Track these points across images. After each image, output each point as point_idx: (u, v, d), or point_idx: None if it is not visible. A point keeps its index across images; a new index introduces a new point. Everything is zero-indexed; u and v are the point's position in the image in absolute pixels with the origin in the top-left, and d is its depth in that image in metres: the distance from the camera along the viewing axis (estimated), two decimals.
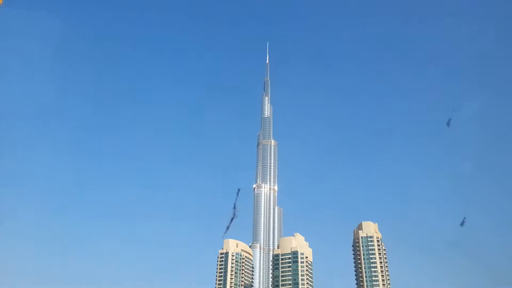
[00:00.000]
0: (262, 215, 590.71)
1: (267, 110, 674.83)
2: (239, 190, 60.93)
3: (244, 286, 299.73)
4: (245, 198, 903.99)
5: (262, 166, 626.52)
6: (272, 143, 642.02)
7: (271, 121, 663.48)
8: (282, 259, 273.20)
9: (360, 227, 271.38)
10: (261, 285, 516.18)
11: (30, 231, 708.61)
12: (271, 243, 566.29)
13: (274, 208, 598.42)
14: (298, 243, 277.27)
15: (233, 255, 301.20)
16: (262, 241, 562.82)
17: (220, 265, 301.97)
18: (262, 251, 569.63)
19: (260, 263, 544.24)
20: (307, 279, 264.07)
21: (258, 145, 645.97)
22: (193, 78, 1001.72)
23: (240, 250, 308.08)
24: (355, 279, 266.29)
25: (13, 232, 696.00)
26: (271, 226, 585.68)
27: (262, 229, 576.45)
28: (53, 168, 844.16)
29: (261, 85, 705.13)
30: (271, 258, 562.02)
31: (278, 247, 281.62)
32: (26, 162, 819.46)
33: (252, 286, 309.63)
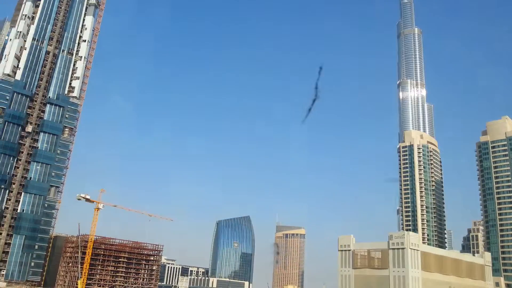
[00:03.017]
0: (410, 114, 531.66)
1: None
2: (320, 68, 35.23)
3: (435, 182, 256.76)
4: (388, 96, 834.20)
5: (405, 59, 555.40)
6: (416, 32, 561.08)
7: (412, 5, 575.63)
8: (493, 147, 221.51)
9: None
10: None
11: None
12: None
13: (423, 105, 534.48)
14: None
15: (419, 148, 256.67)
16: None
17: (404, 159, 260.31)
18: None
19: None
20: None
21: (398, 36, 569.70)
22: None
23: (426, 142, 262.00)
24: None
25: None
26: (421, 125, 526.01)
27: (411, 130, 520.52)
28: None
29: None
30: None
31: (484, 134, 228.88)
32: None
33: (442, 182, 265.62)
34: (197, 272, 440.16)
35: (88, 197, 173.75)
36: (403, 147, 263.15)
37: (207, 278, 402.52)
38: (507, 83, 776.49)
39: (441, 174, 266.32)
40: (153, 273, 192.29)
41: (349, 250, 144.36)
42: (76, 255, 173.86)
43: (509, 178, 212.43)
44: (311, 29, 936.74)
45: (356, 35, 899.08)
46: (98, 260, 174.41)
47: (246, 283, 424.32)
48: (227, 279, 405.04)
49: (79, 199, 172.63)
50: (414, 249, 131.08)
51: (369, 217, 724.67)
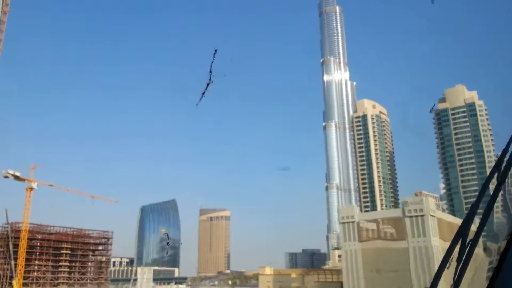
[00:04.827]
0: (334, 92, 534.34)
1: None
2: (215, 50, 25.11)
3: (388, 152, 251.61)
4: (311, 74, 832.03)
5: (328, 37, 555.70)
6: (337, 10, 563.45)
7: None
8: (452, 114, 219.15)
9: None
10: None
11: None
12: (346, 121, 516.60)
13: (346, 83, 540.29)
14: (470, 94, 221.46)
15: (372, 118, 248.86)
16: (336, 120, 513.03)
17: (358, 130, 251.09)
18: (338, 129, 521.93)
19: (338, 142, 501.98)
20: (490, 134, 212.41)
21: (320, 14, 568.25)
22: None
23: (378, 112, 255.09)
24: None
25: None
26: (345, 103, 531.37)
27: (336, 108, 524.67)
28: None
29: None
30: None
31: (442, 101, 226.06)
32: None
33: (394, 152, 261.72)
34: (121, 262, 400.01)
35: (18, 174, 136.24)
36: (356, 117, 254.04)
37: (132, 268, 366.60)
38: (434, 57, 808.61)
39: (392, 144, 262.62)
40: (102, 265, 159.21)
41: (353, 221, 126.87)
42: (4, 249, 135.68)
43: (471, 145, 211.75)
44: (227, 12, 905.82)
45: (278, 15, 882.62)
46: (35, 253, 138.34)
47: (176, 269, 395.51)
48: (157, 267, 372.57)
49: (6, 177, 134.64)
50: (433, 216, 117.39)
51: (297, 197, 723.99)
